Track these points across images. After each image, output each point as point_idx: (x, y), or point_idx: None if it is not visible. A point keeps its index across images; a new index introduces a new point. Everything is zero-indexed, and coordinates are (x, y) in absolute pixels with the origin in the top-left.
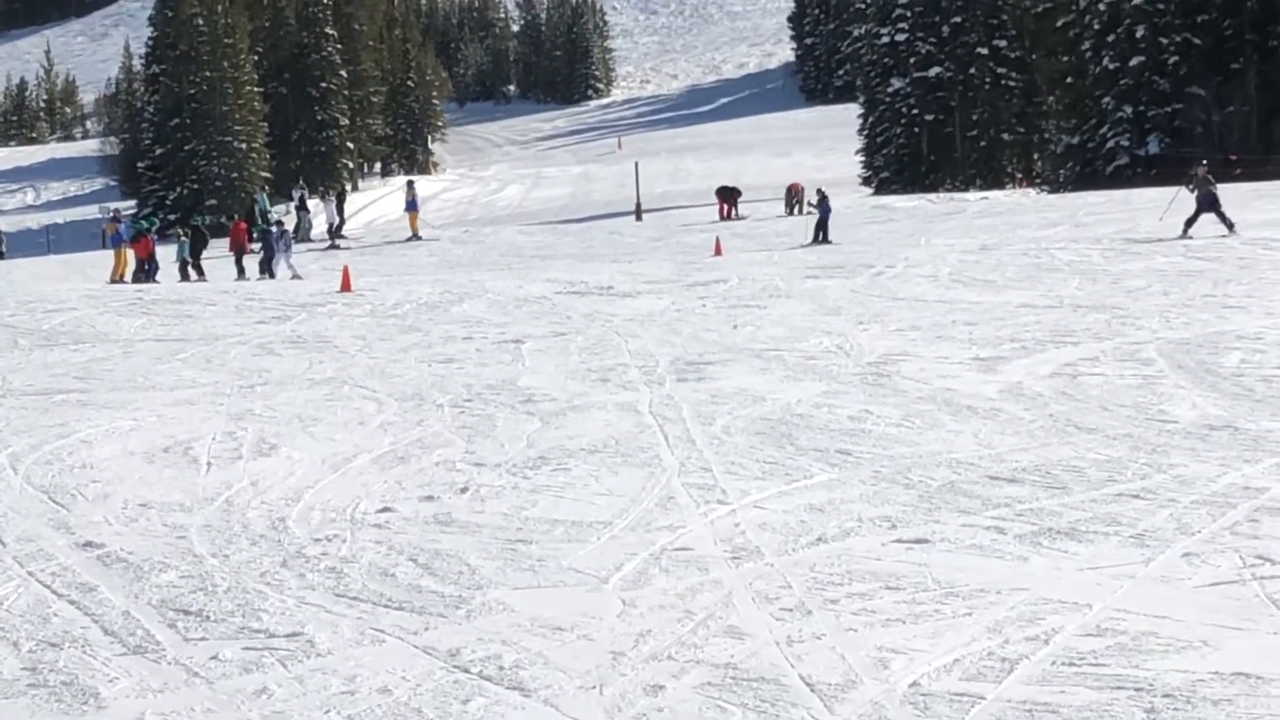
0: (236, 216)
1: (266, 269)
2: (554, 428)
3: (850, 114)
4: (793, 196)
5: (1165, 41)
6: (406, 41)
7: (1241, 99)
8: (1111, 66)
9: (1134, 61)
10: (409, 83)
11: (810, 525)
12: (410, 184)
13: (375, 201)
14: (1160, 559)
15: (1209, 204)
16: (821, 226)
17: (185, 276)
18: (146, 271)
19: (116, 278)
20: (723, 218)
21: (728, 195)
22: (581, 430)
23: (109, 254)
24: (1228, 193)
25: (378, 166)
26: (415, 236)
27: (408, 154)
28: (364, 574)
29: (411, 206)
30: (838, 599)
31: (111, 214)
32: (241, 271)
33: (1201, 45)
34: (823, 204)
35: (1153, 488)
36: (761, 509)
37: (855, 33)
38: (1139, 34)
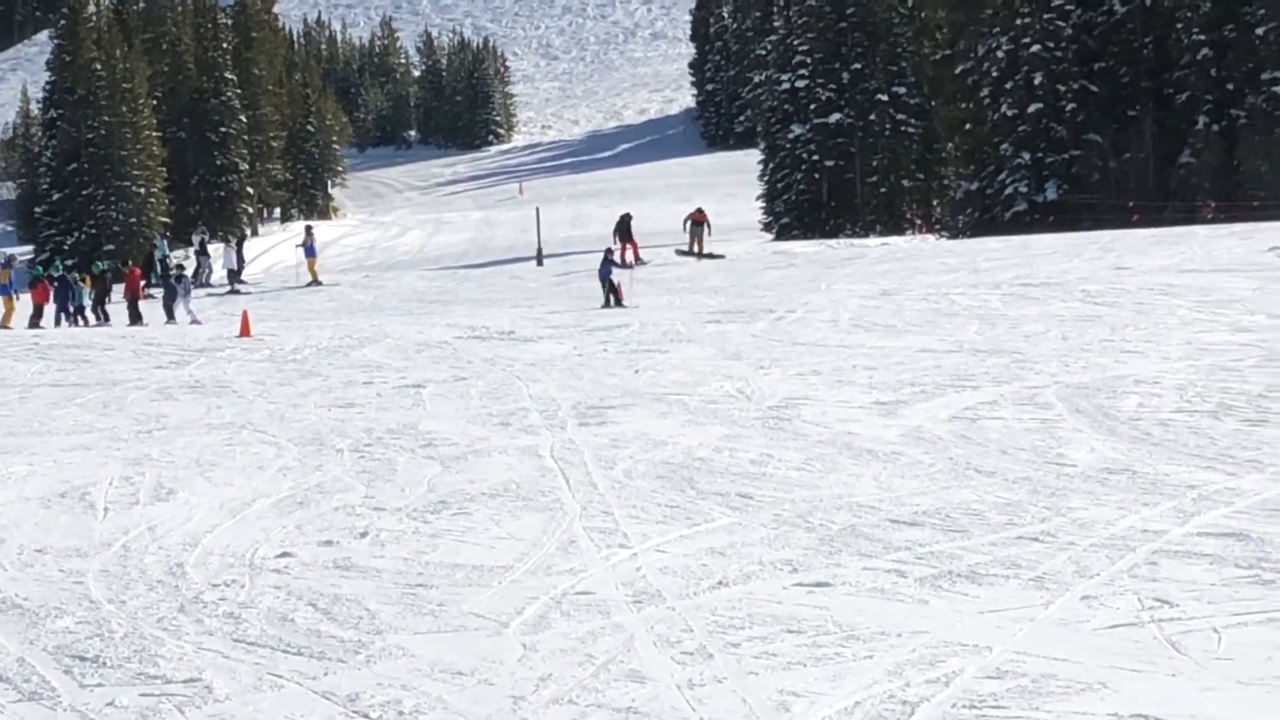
0: (131, 263)
1: (168, 313)
2: (455, 472)
3: (751, 160)
4: (696, 227)
5: (1063, 89)
6: (306, 86)
7: (1138, 146)
8: (1010, 113)
9: (1032, 109)
10: (309, 128)
11: (711, 569)
12: (308, 229)
13: (275, 246)
14: (1060, 602)
15: None
16: (608, 286)
17: (75, 322)
18: (49, 315)
19: (5, 324)
20: (623, 262)
21: (626, 233)
22: (482, 475)
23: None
24: (1126, 239)
25: (277, 211)
26: (315, 282)
27: (307, 199)
28: (262, 619)
29: (310, 252)
30: (739, 642)
31: (4, 260)
32: (137, 317)
33: (1099, 93)
34: (605, 263)
35: (1052, 531)
36: (663, 553)
37: (755, 79)
38: (1037, 81)
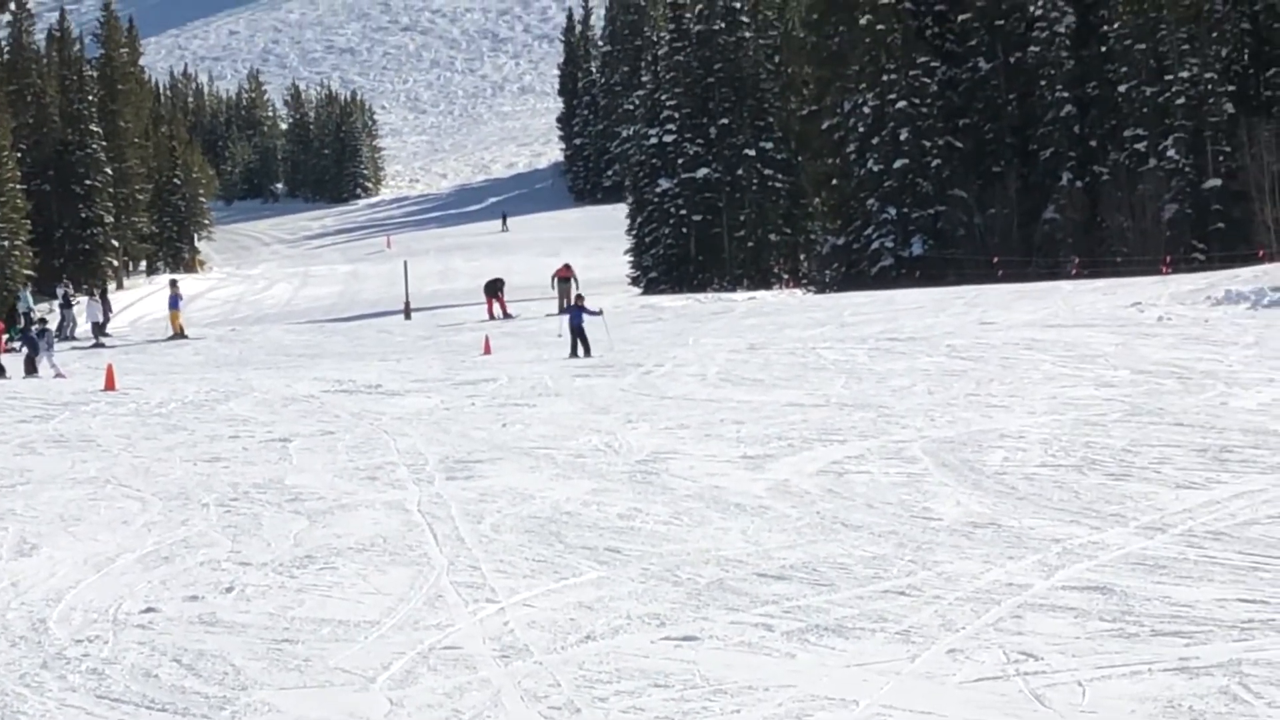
0: None
1: (30, 367)
2: (321, 526)
3: (619, 214)
4: (564, 284)
5: (928, 145)
6: (173, 139)
7: (1002, 202)
8: (876, 169)
9: (898, 164)
10: (175, 180)
11: (579, 623)
12: (173, 282)
13: (141, 300)
14: (925, 655)
15: None
16: (578, 334)
17: None
18: None
19: None
20: (491, 316)
21: (494, 290)
22: (349, 529)
23: None
24: (991, 294)
25: (143, 264)
26: (179, 335)
27: (174, 252)
28: (126, 675)
29: (174, 305)
30: (606, 697)
31: None
32: None
33: (964, 149)
34: (575, 310)
35: (918, 584)
36: (530, 607)
37: (624, 133)
38: (903, 137)
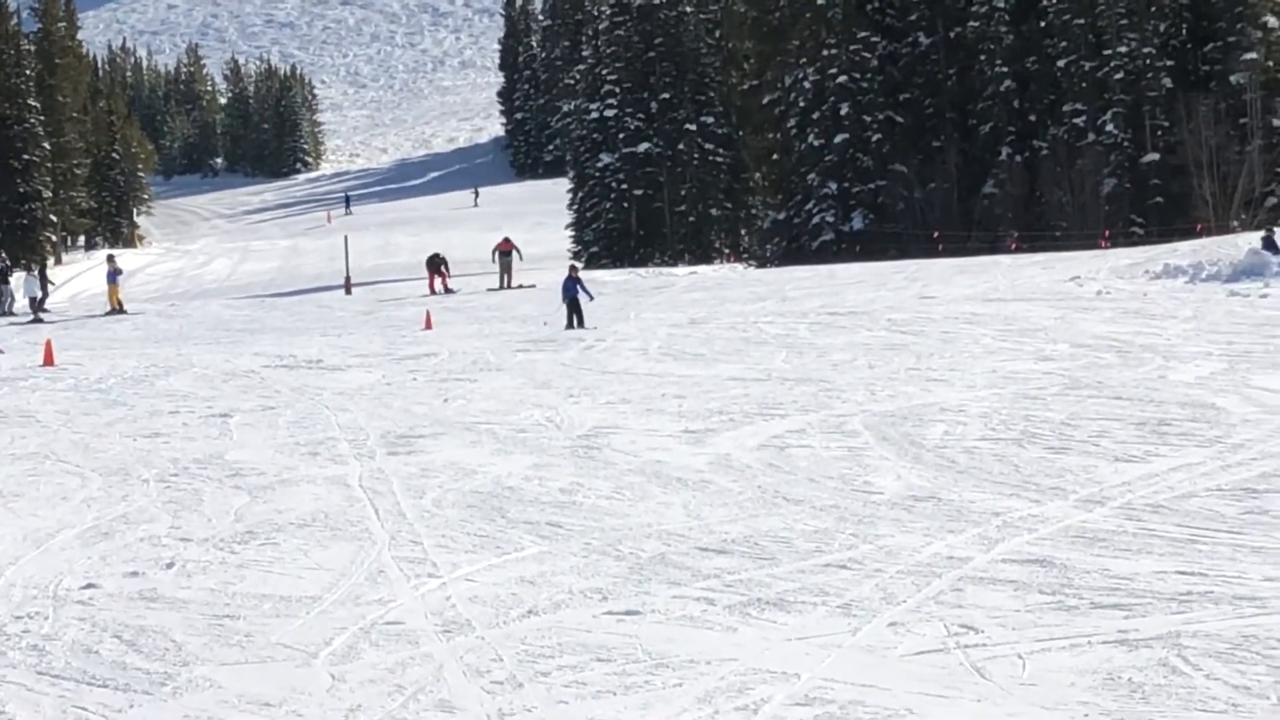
0: None
1: None
2: (262, 502)
3: (560, 189)
4: (505, 258)
5: (869, 119)
6: (111, 113)
7: (942, 176)
8: (816, 144)
9: (838, 139)
10: (114, 155)
11: (521, 598)
12: (111, 258)
13: (79, 275)
14: (867, 629)
15: None
16: (573, 307)
17: None
18: None
19: None
20: (432, 291)
21: (435, 265)
22: (290, 504)
23: None
24: (931, 268)
25: (82, 239)
26: (117, 310)
27: (112, 227)
28: (67, 651)
29: (112, 280)
30: (549, 671)
31: None
32: None
33: (904, 124)
34: (570, 282)
35: (859, 558)
36: (472, 582)
37: (565, 108)
38: (843, 112)
